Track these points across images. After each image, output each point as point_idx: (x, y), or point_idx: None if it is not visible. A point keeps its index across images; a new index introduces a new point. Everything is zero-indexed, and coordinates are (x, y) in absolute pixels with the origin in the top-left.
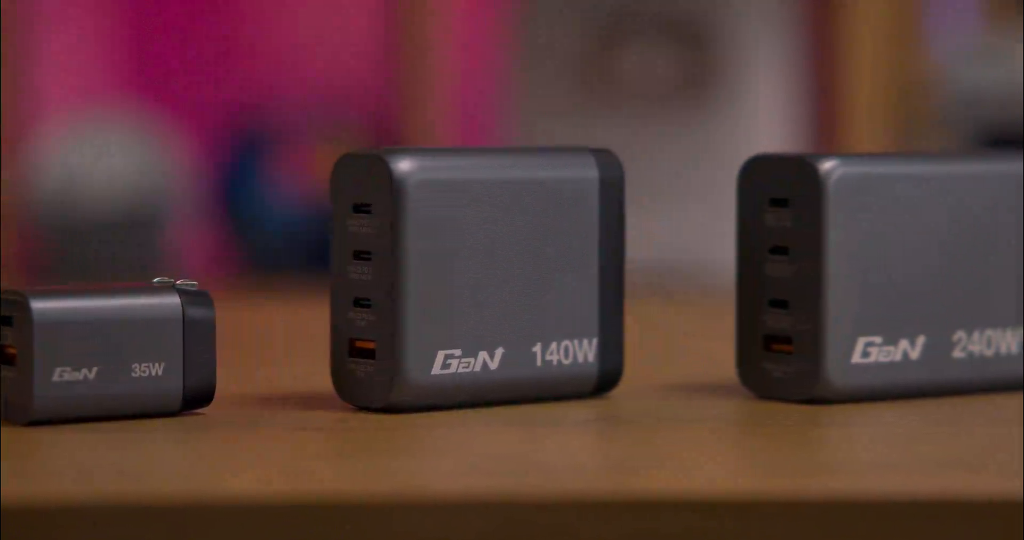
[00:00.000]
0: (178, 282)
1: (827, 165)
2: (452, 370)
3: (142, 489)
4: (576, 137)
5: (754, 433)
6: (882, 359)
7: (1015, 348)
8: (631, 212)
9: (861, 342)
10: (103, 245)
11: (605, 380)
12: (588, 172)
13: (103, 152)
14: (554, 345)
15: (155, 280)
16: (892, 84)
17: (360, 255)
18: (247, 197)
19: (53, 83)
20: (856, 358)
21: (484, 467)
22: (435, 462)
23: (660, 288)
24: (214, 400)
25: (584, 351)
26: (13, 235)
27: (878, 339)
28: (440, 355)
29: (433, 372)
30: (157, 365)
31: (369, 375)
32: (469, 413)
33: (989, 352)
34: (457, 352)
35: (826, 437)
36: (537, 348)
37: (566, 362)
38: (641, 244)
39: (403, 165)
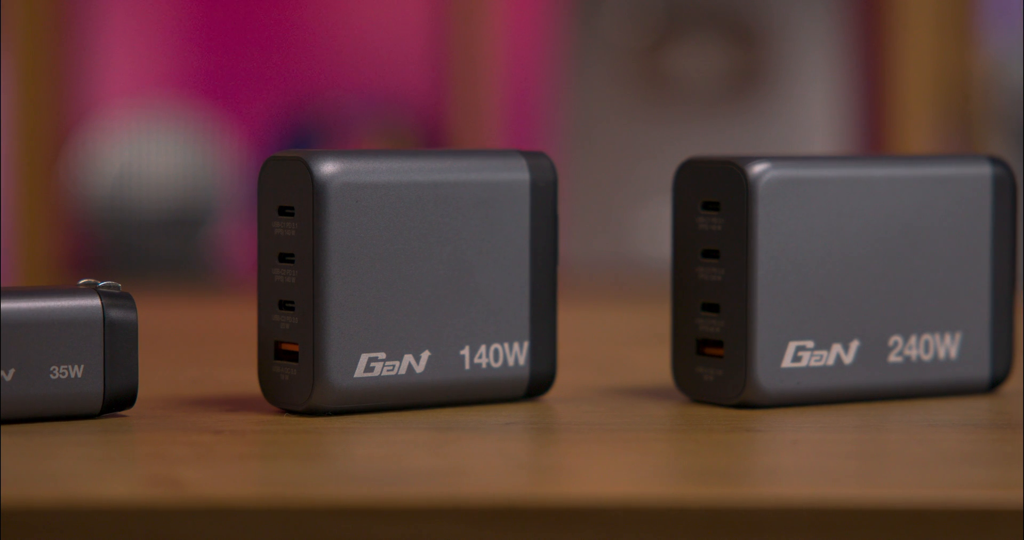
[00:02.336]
0: (101, 284)
1: (756, 169)
2: (376, 373)
3: (17, 493)
4: (627, 134)
5: (676, 438)
6: (814, 363)
7: (954, 353)
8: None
9: (792, 346)
10: (155, 241)
11: (537, 383)
12: (519, 175)
13: (156, 149)
14: (483, 348)
15: (80, 282)
16: (944, 82)
17: (284, 257)
18: None
19: (107, 81)
20: (787, 362)
21: (396, 472)
22: (345, 466)
23: None
24: (147, 402)
25: (515, 354)
26: (67, 231)
27: (810, 343)
28: (363, 358)
29: (356, 375)
30: (77, 367)
31: (292, 378)
32: (393, 416)
33: (927, 357)
34: (381, 355)
35: (748, 442)
36: (465, 351)
37: (496, 365)
38: None
39: (325, 168)
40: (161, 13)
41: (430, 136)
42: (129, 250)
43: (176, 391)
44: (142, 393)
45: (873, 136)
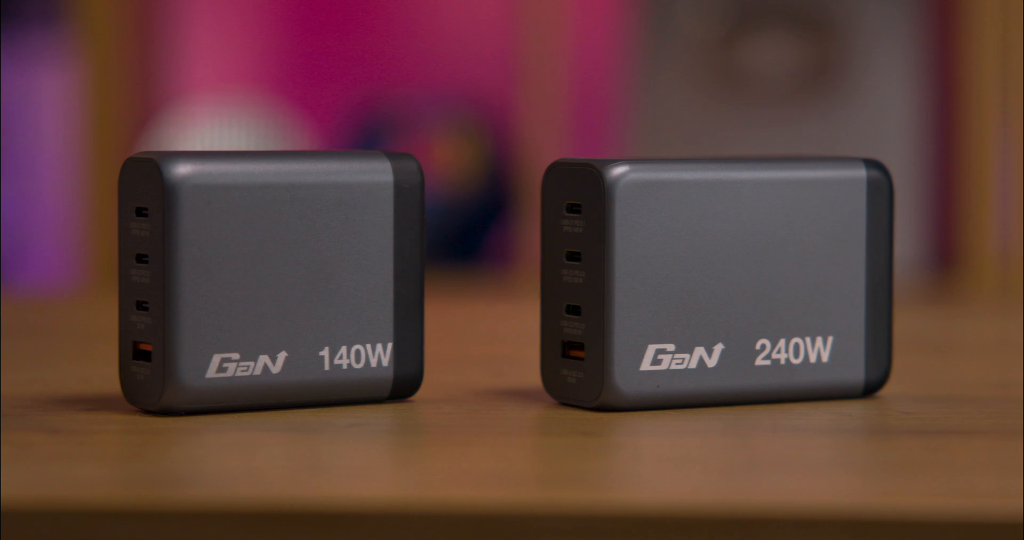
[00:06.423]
0: None
1: (615, 172)
2: (229, 374)
3: None
4: (697, 132)
5: (525, 441)
6: (675, 366)
7: (826, 357)
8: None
9: (651, 349)
10: None
11: (401, 385)
12: (382, 176)
13: (231, 142)
14: (344, 349)
15: None
16: (1018, 78)
17: (140, 258)
18: None
19: (185, 73)
20: (646, 365)
21: (229, 472)
22: (168, 466)
23: None
24: (15, 400)
25: (378, 356)
26: None
27: (670, 346)
28: (216, 359)
29: (208, 375)
30: None
31: (147, 378)
32: (244, 417)
33: (797, 360)
34: (235, 356)
35: (591, 446)
36: (325, 352)
37: (357, 367)
38: None
39: (177, 170)
40: (240, 6)
41: (500, 132)
42: None
43: (49, 390)
44: (33, 391)
45: (946, 132)
